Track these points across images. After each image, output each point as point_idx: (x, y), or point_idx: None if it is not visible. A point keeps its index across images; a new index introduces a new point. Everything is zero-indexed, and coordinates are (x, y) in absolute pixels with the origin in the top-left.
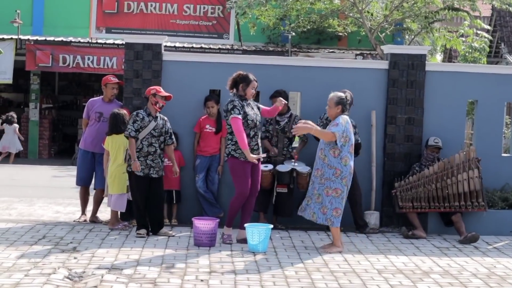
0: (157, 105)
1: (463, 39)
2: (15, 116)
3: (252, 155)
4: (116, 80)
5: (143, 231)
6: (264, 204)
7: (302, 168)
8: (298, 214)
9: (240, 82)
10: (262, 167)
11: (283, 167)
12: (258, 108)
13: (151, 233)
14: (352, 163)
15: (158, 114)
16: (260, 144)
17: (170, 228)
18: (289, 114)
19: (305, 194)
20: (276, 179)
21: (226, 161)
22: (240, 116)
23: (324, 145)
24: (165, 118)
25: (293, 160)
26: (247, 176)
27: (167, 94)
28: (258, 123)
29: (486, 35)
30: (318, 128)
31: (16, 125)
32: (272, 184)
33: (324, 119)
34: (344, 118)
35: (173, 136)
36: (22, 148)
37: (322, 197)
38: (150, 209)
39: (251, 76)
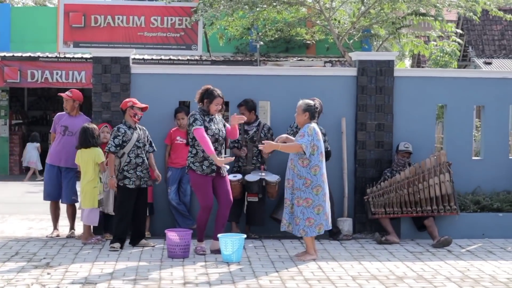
0: (136, 117)
1: (435, 42)
2: (37, 134)
3: (219, 158)
4: (69, 94)
5: (117, 244)
6: (236, 214)
7: (270, 177)
8: (282, 230)
9: (206, 97)
10: (230, 177)
11: (252, 177)
12: (224, 125)
13: (130, 245)
14: (324, 171)
15: (136, 125)
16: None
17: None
18: (258, 123)
19: (277, 203)
20: (245, 188)
21: (187, 173)
22: (201, 127)
23: (293, 156)
24: (144, 128)
25: (261, 170)
26: (207, 189)
27: (144, 105)
28: (221, 138)
29: (457, 39)
30: (284, 143)
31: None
32: (242, 194)
33: (294, 128)
34: (311, 128)
35: (153, 144)
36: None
37: (294, 207)
38: (135, 220)
39: (216, 93)
